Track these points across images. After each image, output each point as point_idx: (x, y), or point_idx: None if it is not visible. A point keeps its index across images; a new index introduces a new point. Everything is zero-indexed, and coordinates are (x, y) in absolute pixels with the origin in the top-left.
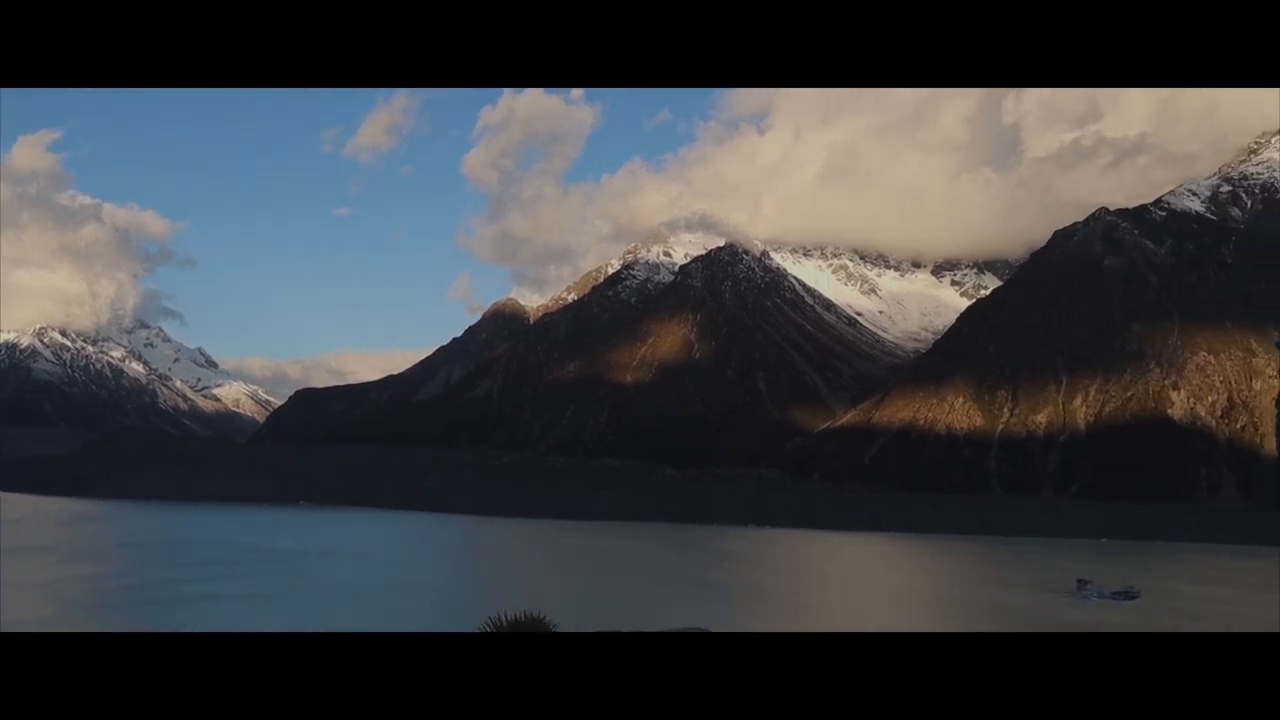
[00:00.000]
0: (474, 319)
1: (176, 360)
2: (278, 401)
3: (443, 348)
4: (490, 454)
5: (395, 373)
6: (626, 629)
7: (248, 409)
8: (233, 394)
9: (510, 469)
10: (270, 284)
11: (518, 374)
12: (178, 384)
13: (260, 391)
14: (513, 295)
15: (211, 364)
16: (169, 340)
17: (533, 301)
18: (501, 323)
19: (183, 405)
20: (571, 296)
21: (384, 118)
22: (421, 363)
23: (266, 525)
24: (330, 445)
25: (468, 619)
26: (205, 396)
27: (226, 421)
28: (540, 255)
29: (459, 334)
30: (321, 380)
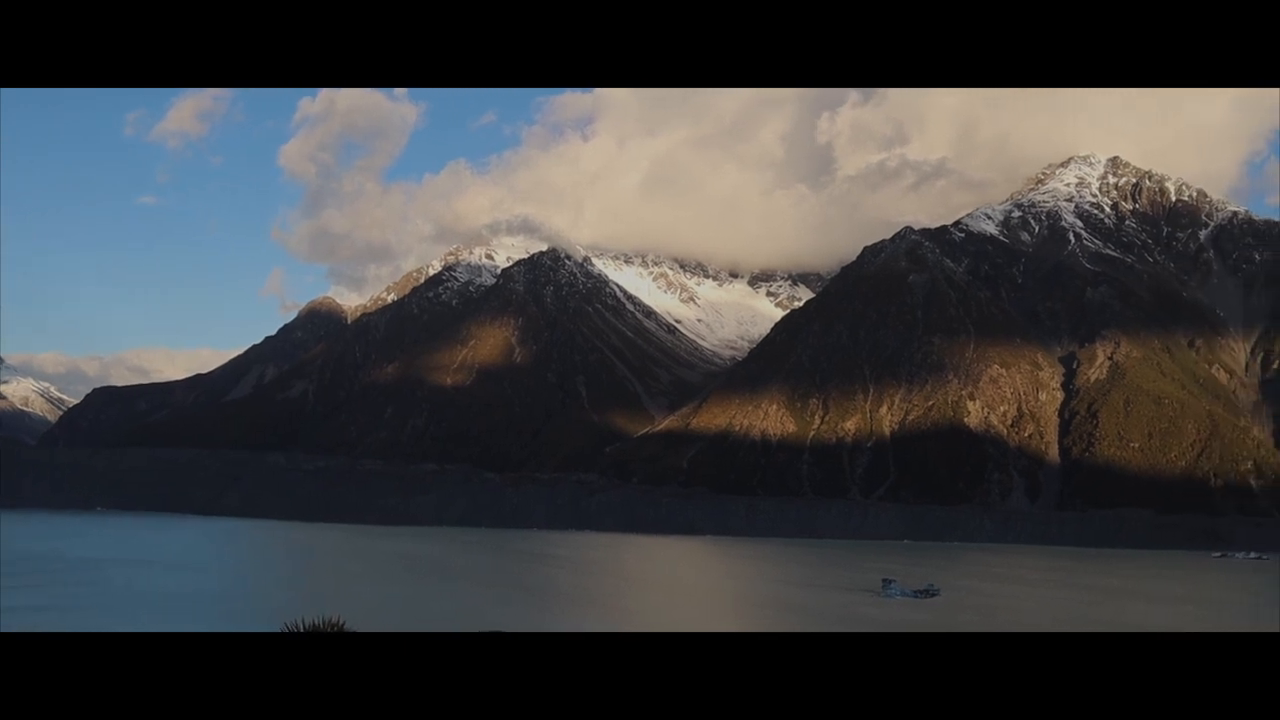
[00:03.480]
0: (288, 317)
1: None
2: (72, 400)
3: (255, 346)
4: (304, 457)
5: (203, 371)
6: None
7: (38, 408)
8: (20, 391)
9: (325, 473)
10: (65, 275)
11: (334, 375)
12: None
13: (52, 389)
14: (330, 294)
15: None
16: None
17: (351, 301)
18: (318, 322)
19: None
20: (391, 297)
21: (193, 103)
22: (232, 361)
23: (58, 532)
24: (132, 447)
25: (266, 627)
26: None
27: (13, 421)
28: (359, 253)
29: (272, 332)
30: (122, 378)
